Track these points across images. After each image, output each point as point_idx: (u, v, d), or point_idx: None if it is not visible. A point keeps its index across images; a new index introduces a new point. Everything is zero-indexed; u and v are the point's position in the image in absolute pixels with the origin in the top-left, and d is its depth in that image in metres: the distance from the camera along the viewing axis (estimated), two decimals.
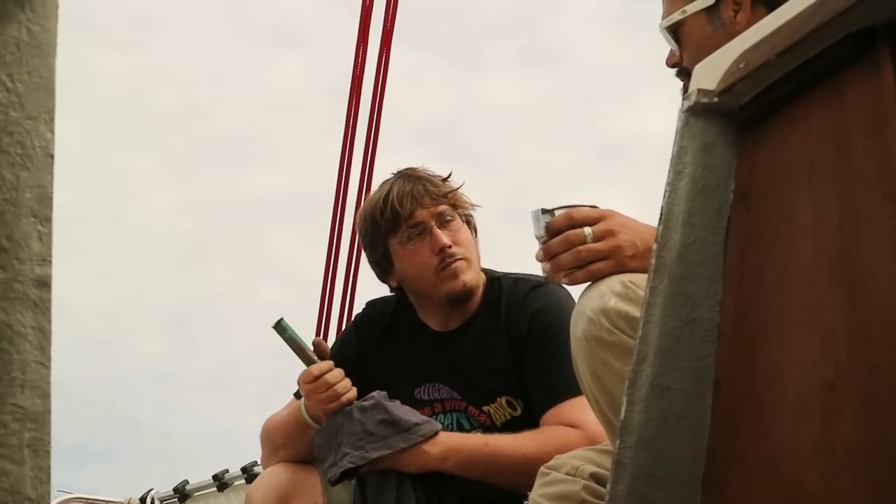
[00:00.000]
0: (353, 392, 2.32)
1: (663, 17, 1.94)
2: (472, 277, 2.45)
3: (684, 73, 1.92)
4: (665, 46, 1.97)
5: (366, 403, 2.27)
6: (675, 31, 1.92)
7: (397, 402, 2.30)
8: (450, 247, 2.41)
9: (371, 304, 2.64)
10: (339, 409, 2.29)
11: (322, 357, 2.36)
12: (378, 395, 2.29)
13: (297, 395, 2.52)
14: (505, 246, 2.53)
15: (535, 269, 2.50)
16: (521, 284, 2.46)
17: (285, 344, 2.35)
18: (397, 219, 2.43)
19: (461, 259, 2.43)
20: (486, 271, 2.53)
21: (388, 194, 2.46)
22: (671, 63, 1.96)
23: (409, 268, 2.46)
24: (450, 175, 2.53)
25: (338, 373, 2.33)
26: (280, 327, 2.34)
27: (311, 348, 2.37)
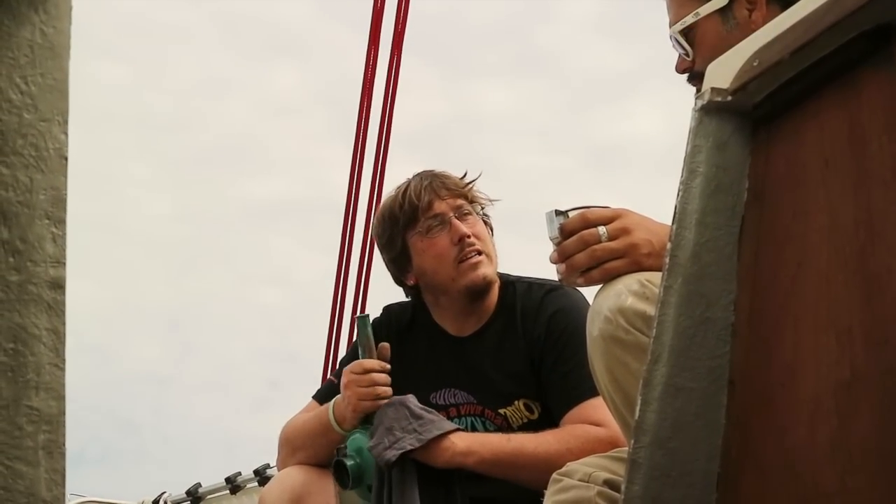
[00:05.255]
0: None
1: (673, 22, 1.92)
2: (490, 272, 2.45)
3: (697, 77, 1.90)
4: (662, 51, 1.95)
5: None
6: (686, 34, 1.90)
7: None
8: (469, 237, 2.42)
9: (387, 309, 2.64)
10: (370, 409, 2.31)
11: (382, 360, 2.39)
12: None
13: (317, 398, 2.54)
14: (502, 250, 2.53)
15: (533, 272, 2.53)
16: (535, 288, 2.45)
17: (357, 336, 2.44)
18: (416, 211, 2.45)
19: (480, 252, 2.44)
20: (499, 275, 2.52)
21: (405, 190, 2.49)
22: (682, 68, 1.93)
23: (428, 260, 2.46)
24: (465, 175, 2.55)
25: (385, 377, 2.35)
26: (362, 322, 2.42)
27: (376, 349, 2.40)
